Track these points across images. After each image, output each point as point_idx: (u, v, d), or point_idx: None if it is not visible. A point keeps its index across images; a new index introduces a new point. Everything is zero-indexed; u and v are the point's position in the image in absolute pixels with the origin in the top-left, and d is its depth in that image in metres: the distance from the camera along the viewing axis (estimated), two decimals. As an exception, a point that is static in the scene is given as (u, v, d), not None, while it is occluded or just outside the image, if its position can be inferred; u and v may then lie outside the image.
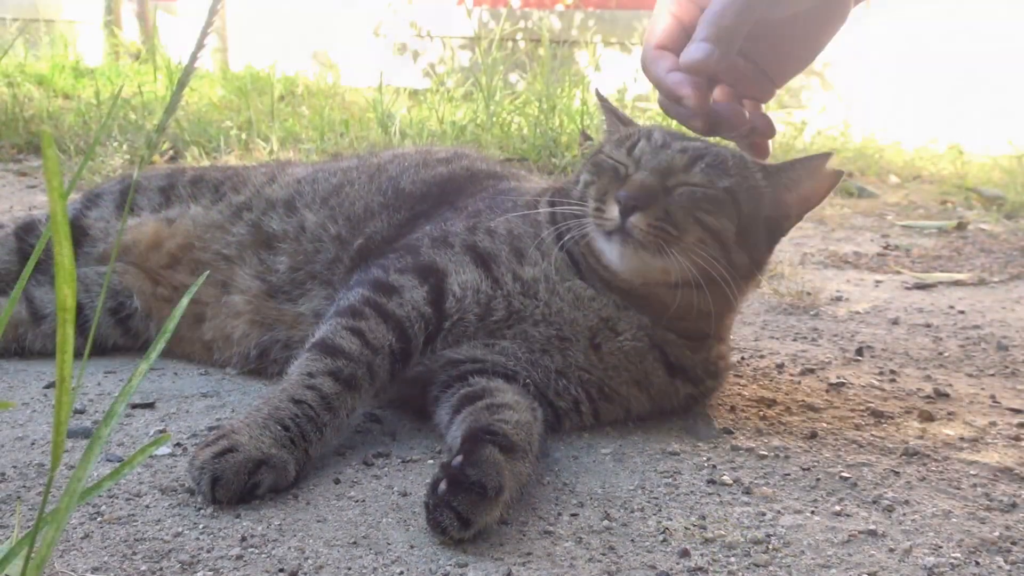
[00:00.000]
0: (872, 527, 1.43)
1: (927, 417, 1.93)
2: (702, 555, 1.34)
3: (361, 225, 2.06)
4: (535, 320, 1.77)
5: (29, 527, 1.32)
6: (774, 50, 1.76)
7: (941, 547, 1.38)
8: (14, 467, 1.55)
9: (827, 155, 1.75)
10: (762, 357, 2.34)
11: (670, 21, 1.79)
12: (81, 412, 1.82)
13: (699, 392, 1.87)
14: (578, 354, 1.77)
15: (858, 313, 2.84)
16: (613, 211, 1.66)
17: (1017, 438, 1.83)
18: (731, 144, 1.81)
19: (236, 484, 1.42)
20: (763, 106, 1.91)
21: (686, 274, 1.66)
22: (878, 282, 3.31)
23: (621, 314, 1.77)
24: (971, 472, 1.67)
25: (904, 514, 1.49)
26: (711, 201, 1.70)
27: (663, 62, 1.75)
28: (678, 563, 1.31)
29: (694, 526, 1.42)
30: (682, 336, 1.80)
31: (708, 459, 1.68)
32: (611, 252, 1.71)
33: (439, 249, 1.84)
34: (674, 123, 1.88)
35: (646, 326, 1.77)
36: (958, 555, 1.36)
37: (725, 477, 1.60)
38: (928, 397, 2.08)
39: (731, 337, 2.00)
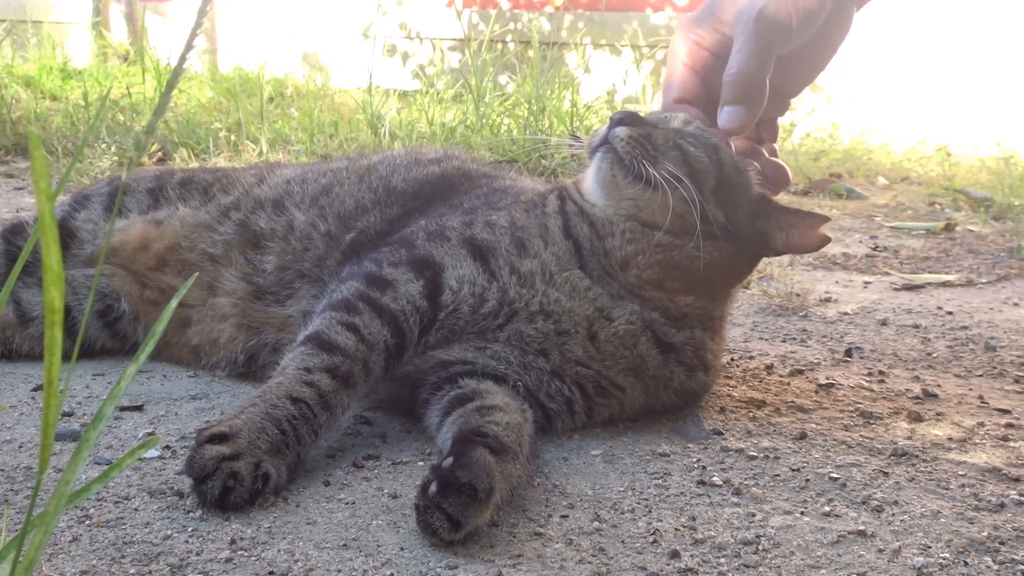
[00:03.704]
0: (861, 527, 1.43)
1: (916, 418, 1.94)
2: (692, 556, 1.34)
3: (352, 221, 2.05)
4: (531, 313, 1.77)
5: (17, 530, 1.31)
6: (787, 69, 1.79)
7: (930, 547, 1.39)
8: (1, 470, 1.54)
9: (825, 218, 1.81)
10: (752, 358, 2.35)
11: (684, 72, 1.84)
12: (69, 415, 1.82)
13: (692, 384, 1.85)
14: (576, 347, 1.77)
15: (847, 314, 2.85)
16: (603, 130, 1.79)
17: (1005, 438, 1.84)
18: None
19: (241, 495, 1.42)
20: (778, 122, 1.96)
21: (659, 210, 1.72)
22: (867, 283, 3.32)
23: (615, 303, 1.78)
24: (959, 472, 1.67)
25: (893, 514, 1.49)
26: (695, 137, 1.78)
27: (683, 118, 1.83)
28: (668, 564, 1.31)
29: (684, 527, 1.42)
30: (664, 316, 1.80)
31: (698, 460, 1.68)
32: (592, 170, 1.81)
33: (435, 243, 1.83)
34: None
35: (636, 311, 1.78)
36: (947, 555, 1.36)
37: (715, 478, 1.60)
38: (917, 398, 2.09)
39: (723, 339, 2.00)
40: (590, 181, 1.83)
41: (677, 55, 1.84)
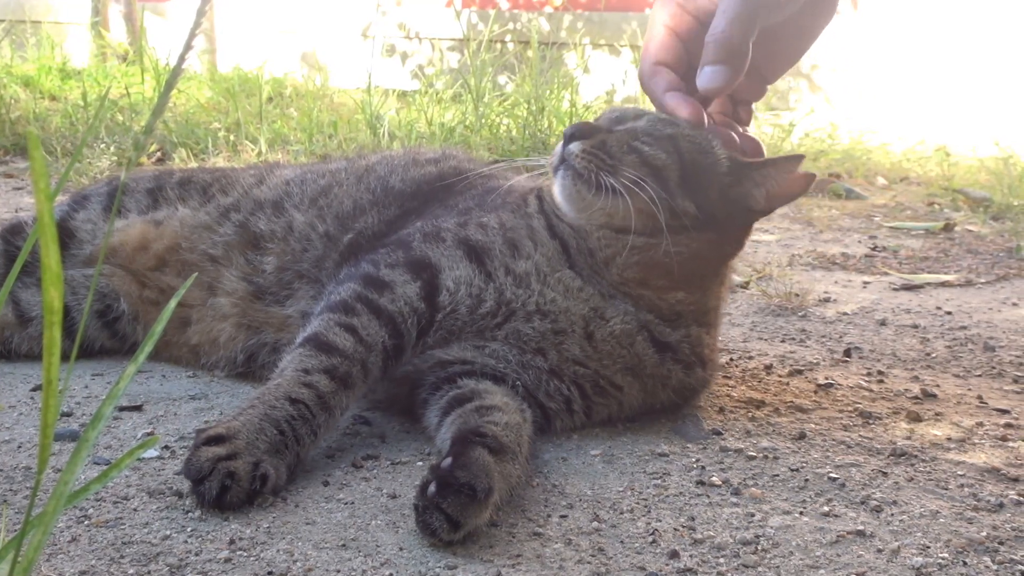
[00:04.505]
0: (860, 527, 1.43)
1: (915, 418, 1.94)
2: (691, 556, 1.34)
3: (350, 222, 2.06)
4: (528, 313, 1.77)
5: (16, 531, 1.31)
6: (767, 48, 1.77)
7: (929, 547, 1.39)
8: (0, 470, 1.54)
9: (799, 157, 1.77)
10: (751, 358, 2.35)
11: (665, 34, 1.80)
12: (68, 415, 1.82)
13: (691, 381, 1.85)
14: (573, 346, 1.77)
15: (846, 314, 2.85)
16: (559, 147, 1.77)
17: (1004, 438, 1.84)
18: None
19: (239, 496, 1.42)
20: (753, 107, 1.92)
21: (627, 215, 1.70)
22: (866, 283, 3.32)
23: (608, 303, 1.78)
24: (958, 472, 1.67)
25: (892, 514, 1.49)
26: (649, 134, 1.76)
27: (660, 79, 1.78)
28: (667, 564, 1.31)
29: (683, 527, 1.42)
30: (657, 317, 1.80)
31: (697, 460, 1.68)
32: (557, 189, 1.79)
33: (431, 244, 1.83)
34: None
35: (631, 312, 1.78)
36: (946, 555, 1.36)
37: (714, 478, 1.60)
38: (916, 398, 2.09)
39: (720, 338, 2.00)
40: (558, 199, 1.80)
41: (659, 17, 1.80)
